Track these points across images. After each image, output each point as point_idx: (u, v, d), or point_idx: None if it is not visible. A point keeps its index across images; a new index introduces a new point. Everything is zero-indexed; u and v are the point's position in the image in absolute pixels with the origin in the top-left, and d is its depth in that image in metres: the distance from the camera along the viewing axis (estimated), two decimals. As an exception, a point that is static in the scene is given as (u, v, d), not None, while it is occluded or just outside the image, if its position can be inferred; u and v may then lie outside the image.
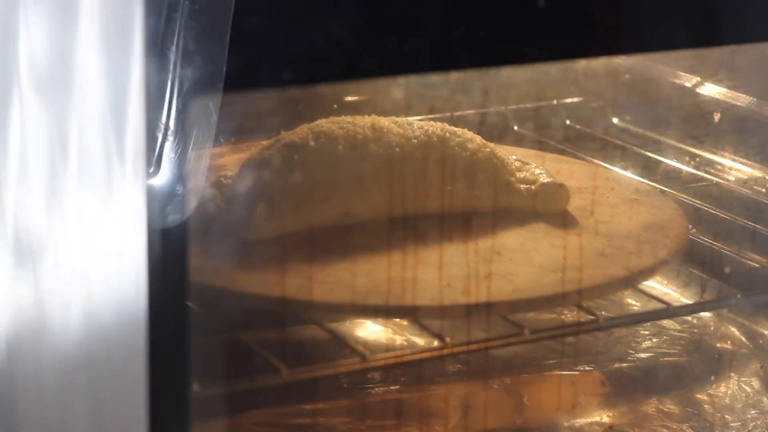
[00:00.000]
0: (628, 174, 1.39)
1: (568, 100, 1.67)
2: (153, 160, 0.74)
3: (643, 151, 1.55)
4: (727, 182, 1.44)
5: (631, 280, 1.12)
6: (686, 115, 1.57)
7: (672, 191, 1.35)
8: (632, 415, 1.21)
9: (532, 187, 1.23)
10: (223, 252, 1.12)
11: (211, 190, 1.17)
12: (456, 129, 1.22)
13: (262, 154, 1.18)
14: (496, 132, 1.68)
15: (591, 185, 1.32)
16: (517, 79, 1.59)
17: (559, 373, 1.27)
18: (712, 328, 1.37)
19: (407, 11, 0.84)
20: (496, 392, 1.24)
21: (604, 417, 1.20)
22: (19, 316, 0.75)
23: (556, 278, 1.09)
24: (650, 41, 0.95)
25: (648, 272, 1.14)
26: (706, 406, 1.23)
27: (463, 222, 1.21)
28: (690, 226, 1.26)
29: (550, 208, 1.23)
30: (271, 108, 1.59)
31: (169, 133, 0.74)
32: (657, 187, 1.34)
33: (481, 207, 1.22)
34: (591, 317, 1.12)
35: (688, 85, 1.54)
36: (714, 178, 1.46)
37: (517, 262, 1.13)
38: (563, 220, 1.23)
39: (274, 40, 0.79)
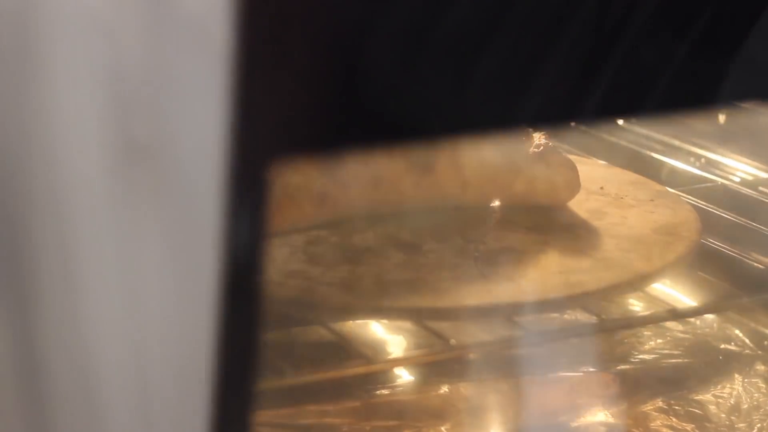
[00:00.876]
0: (641, 176, 1.38)
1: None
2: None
3: (648, 152, 1.55)
4: (732, 183, 1.44)
5: (638, 284, 1.12)
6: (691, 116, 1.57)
7: (678, 192, 1.35)
8: (636, 415, 1.20)
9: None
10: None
11: None
12: None
13: None
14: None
15: (604, 186, 1.32)
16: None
17: (563, 374, 1.27)
18: (716, 330, 1.37)
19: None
20: (500, 393, 1.24)
21: (609, 418, 1.20)
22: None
23: (563, 280, 1.09)
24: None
25: (656, 276, 1.14)
26: (711, 407, 1.22)
27: (469, 223, 1.21)
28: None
29: (559, 189, 1.23)
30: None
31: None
32: (671, 190, 1.33)
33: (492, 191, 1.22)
34: (595, 319, 1.12)
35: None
36: (719, 179, 1.45)
37: (526, 263, 1.12)
38: (572, 221, 1.23)
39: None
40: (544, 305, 1.10)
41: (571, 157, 1.44)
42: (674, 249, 1.17)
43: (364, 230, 1.17)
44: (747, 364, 1.29)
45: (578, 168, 1.38)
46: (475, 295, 1.07)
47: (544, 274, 1.10)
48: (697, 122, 1.55)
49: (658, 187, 1.33)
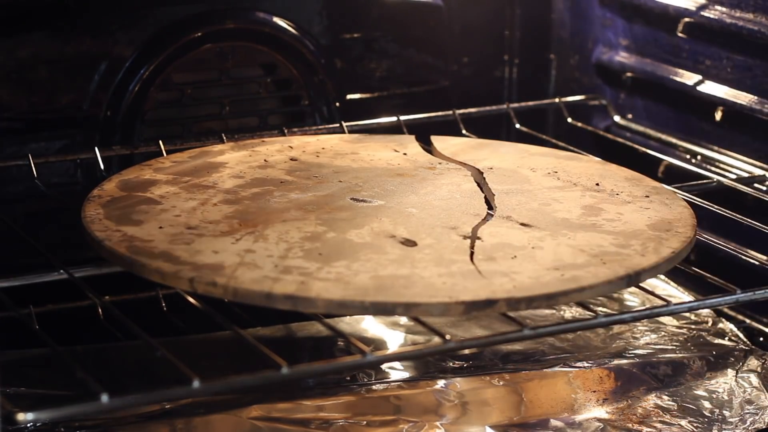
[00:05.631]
0: (636, 173, 1.38)
1: (570, 99, 1.68)
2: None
3: (645, 150, 1.55)
4: (728, 180, 1.45)
5: (633, 279, 1.12)
6: (689, 113, 1.57)
7: (673, 189, 1.35)
8: (631, 410, 1.21)
9: None
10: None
11: None
12: None
13: None
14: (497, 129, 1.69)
15: (600, 183, 1.33)
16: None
17: (559, 369, 1.28)
18: (710, 325, 1.37)
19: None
20: (495, 388, 1.24)
21: (603, 413, 1.21)
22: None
23: (558, 276, 1.09)
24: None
25: (651, 271, 1.14)
26: (704, 401, 1.23)
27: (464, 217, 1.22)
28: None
29: None
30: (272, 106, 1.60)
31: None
32: (666, 187, 1.34)
33: None
34: (590, 314, 1.13)
35: (689, 83, 1.54)
36: (715, 176, 1.46)
37: (521, 259, 1.12)
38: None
39: None
40: (541, 301, 1.09)
41: (567, 154, 1.45)
42: (670, 244, 1.18)
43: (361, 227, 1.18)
44: (740, 359, 1.30)
45: (574, 165, 1.39)
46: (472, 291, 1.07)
47: (540, 271, 1.10)
48: (694, 119, 1.56)
49: (654, 183, 1.34)
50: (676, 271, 1.22)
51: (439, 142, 1.45)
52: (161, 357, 1.05)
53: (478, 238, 1.17)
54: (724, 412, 1.21)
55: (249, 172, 1.33)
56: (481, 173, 1.35)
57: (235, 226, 1.18)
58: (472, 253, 1.14)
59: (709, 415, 1.21)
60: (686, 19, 1.54)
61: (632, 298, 1.43)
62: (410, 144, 1.45)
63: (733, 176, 1.47)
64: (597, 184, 1.32)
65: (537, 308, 1.17)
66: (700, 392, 1.25)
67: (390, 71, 1.65)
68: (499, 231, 1.19)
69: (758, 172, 1.47)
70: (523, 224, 1.21)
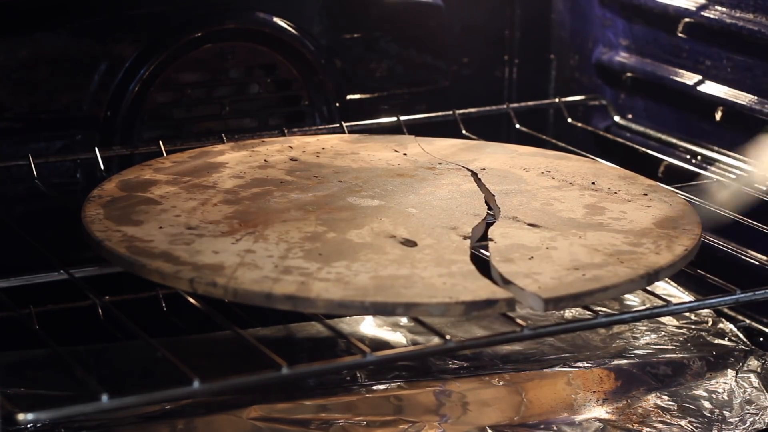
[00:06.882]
0: (629, 171, 1.38)
1: (570, 99, 1.68)
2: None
3: (645, 150, 1.55)
4: (727, 180, 1.45)
5: (653, 277, 1.12)
6: (689, 113, 1.57)
7: (672, 189, 1.35)
8: (631, 410, 1.21)
9: None
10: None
11: None
12: None
13: None
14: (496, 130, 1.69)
15: (596, 182, 1.32)
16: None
17: (559, 369, 1.28)
18: (710, 325, 1.37)
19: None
20: (496, 389, 1.24)
21: (603, 413, 1.21)
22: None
23: (580, 276, 1.09)
24: None
25: (669, 269, 1.13)
26: (704, 402, 1.23)
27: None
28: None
29: None
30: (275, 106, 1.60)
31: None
32: (661, 185, 1.34)
33: None
34: (590, 314, 1.12)
35: (689, 83, 1.54)
36: (714, 176, 1.46)
37: (539, 260, 1.12)
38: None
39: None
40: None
41: (562, 153, 1.44)
42: (681, 242, 1.17)
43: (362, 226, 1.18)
44: (740, 359, 1.30)
45: (565, 164, 1.38)
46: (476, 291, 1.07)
47: (560, 271, 1.09)
48: (694, 119, 1.56)
49: (649, 181, 1.34)
50: (678, 271, 1.22)
51: (426, 144, 1.45)
52: (161, 357, 1.05)
53: (491, 240, 1.17)
54: (724, 412, 1.21)
55: (249, 172, 1.33)
56: (476, 174, 1.35)
57: (235, 227, 1.18)
58: (473, 254, 1.14)
59: (709, 415, 1.21)
60: (686, 19, 1.54)
61: (632, 297, 1.43)
62: (410, 144, 1.45)
63: (733, 176, 1.47)
64: (593, 183, 1.32)
65: (563, 308, 1.15)
66: (700, 392, 1.25)
67: (390, 71, 1.65)
68: (509, 232, 1.19)
69: (757, 171, 1.47)
70: (531, 225, 1.21)
